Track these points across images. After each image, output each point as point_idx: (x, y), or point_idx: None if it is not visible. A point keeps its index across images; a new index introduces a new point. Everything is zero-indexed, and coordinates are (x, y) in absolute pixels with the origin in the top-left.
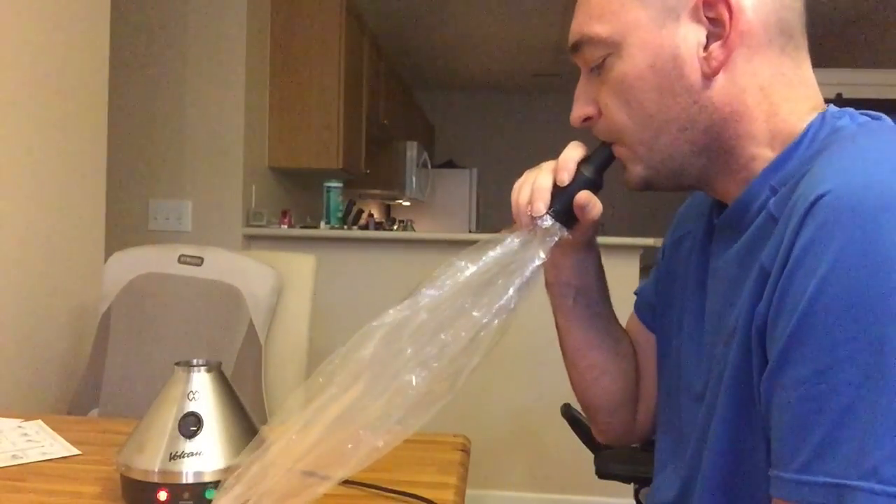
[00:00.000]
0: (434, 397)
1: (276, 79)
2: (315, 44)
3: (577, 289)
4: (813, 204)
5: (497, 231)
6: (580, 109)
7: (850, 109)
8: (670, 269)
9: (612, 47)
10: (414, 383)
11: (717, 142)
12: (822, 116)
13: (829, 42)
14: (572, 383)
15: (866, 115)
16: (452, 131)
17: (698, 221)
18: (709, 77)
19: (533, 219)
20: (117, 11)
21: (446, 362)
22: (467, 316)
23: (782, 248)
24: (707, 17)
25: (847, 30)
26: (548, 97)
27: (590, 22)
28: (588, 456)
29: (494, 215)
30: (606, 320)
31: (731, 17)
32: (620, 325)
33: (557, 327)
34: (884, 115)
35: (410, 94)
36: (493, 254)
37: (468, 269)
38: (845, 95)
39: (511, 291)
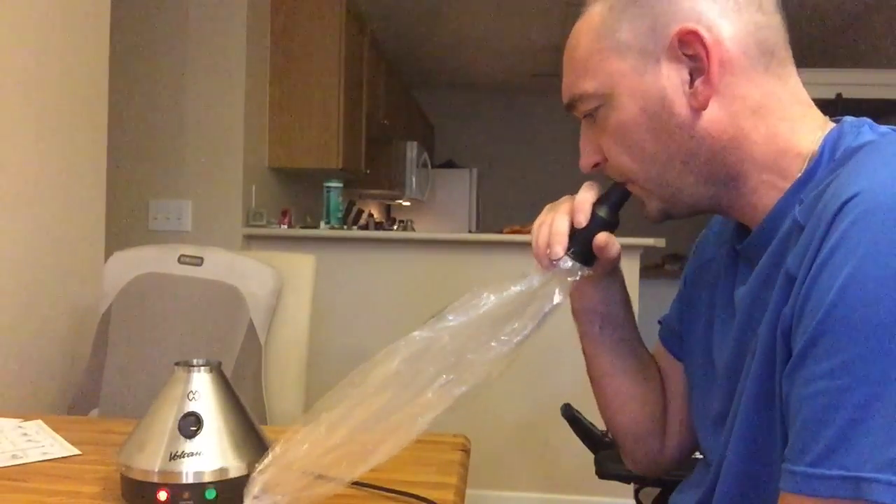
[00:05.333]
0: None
1: (276, 79)
2: (315, 44)
3: (603, 315)
4: (843, 206)
5: (499, 231)
6: (588, 158)
7: (868, 120)
8: (694, 294)
9: (602, 99)
10: (431, 396)
11: (722, 169)
12: (840, 129)
13: (829, 42)
14: (600, 409)
15: (886, 127)
16: (452, 131)
17: (721, 248)
18: (698, 111)
19: (552, 261)
20: (117, 12)
21: (460, 382)
22: (486, 346)
23: (809, 251)
24: (685, 55)
25: (847, 30)
26: (548, 97)
27: (576, 81)
28: (588, 456)
29: (494, 215)
30: (633, 346)
31: (707, 53)
32: (647, 351)
33: (585, 354)
34: None
35: (410, 94)
36: (516, 289)
37: (490, 299)
38: (845, 95)
39: (528, 329)
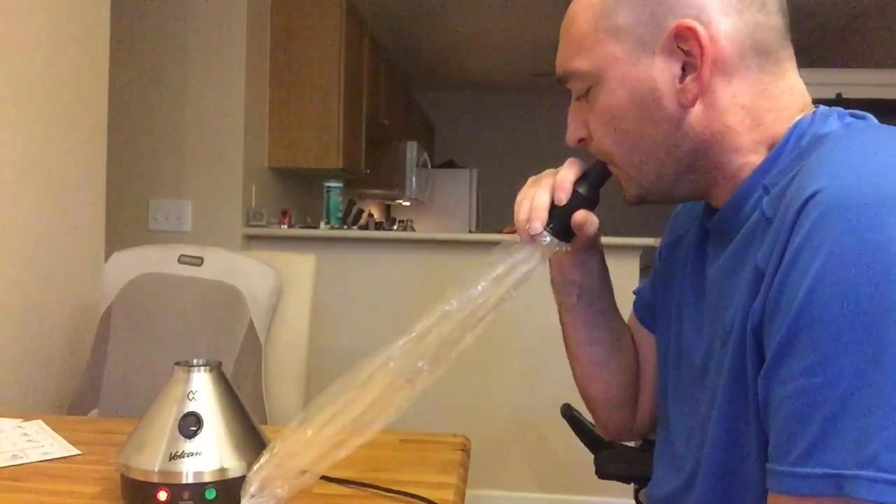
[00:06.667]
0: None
1: (276, 79)
2: (315, 44)
3: (581, 286)
4: (805, 203)
5: (498, 231)
6: (574, 132)
7: (839, 109)
8: (668, 270)
9: (593, 80)
10: (425, 369)
11: (704, 160)
12: (812, 116)
13: (829, 42)
14: (575, 378)
15: (853, 114)
16: (452, 131)
17: (693, 223)
18: (686, 107)
19: (531, 235)
20: (117, 11)
21: (444, 356)
22: (469, 319)
23: (776, 248)
24: (681, 49)
25: (847, 30)
26: (548, 97)
27: (570, 57)
28: (588, 456)
29: (494, 215)
30: (609, 317)
31: (701, 52)
32: (623, 322)
33: (561, 323)
34: (868, 115)
35: (410, 94)
36: (500, 270)
37: (482, 284)
38: (845, 95)
39: (505, 295)
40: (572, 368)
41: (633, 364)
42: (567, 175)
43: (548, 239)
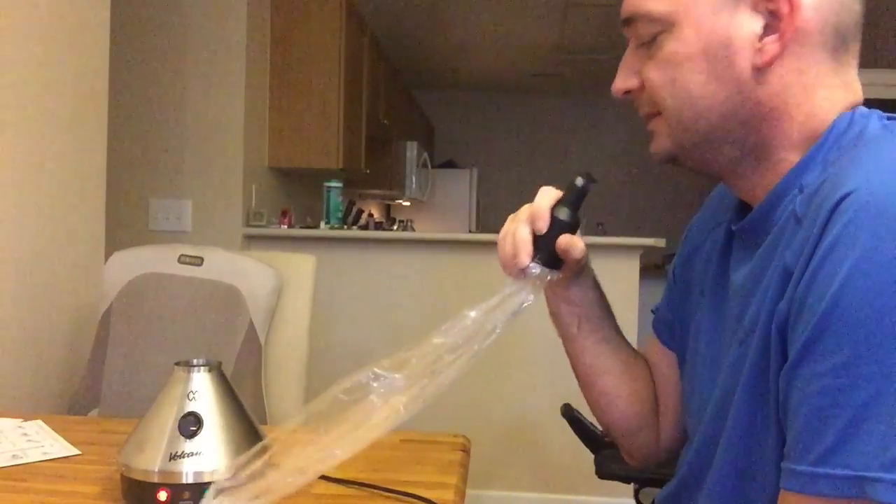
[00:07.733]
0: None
1: (276, 79)
2: (315, 44)
3: (580, 316)
4: (837, 204)
5: (498, 231)
6: (623, 81)
7: (878, 111)
8: (685, 284)
9: (666, 25)
10: (402, 410)
11: (753, 137)
12: (851, 116)
13: None
14: (590, 408)
15: (891, 116)
16: (452, 131)
17: (714, 231)
18: (759, 69)
19: (521, 269)
20: (117, 11)
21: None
22: (463, 350)
23: (806, 247)
24: (767, 9)
25: None
26: (548, 97)
27: None
28: (588, 456)
29: (494, 215)
30: (614, 344)
31: (791, 12)
32: (631, 347)
33: (568, 355)
34: None
35: (410, 94)
36: (492, 302)
37: (471, 316)
38: None
39: (498, 329)
40: (586, 399)
41: (649, 391)
42: (542, 203)
43: (537, 270)
